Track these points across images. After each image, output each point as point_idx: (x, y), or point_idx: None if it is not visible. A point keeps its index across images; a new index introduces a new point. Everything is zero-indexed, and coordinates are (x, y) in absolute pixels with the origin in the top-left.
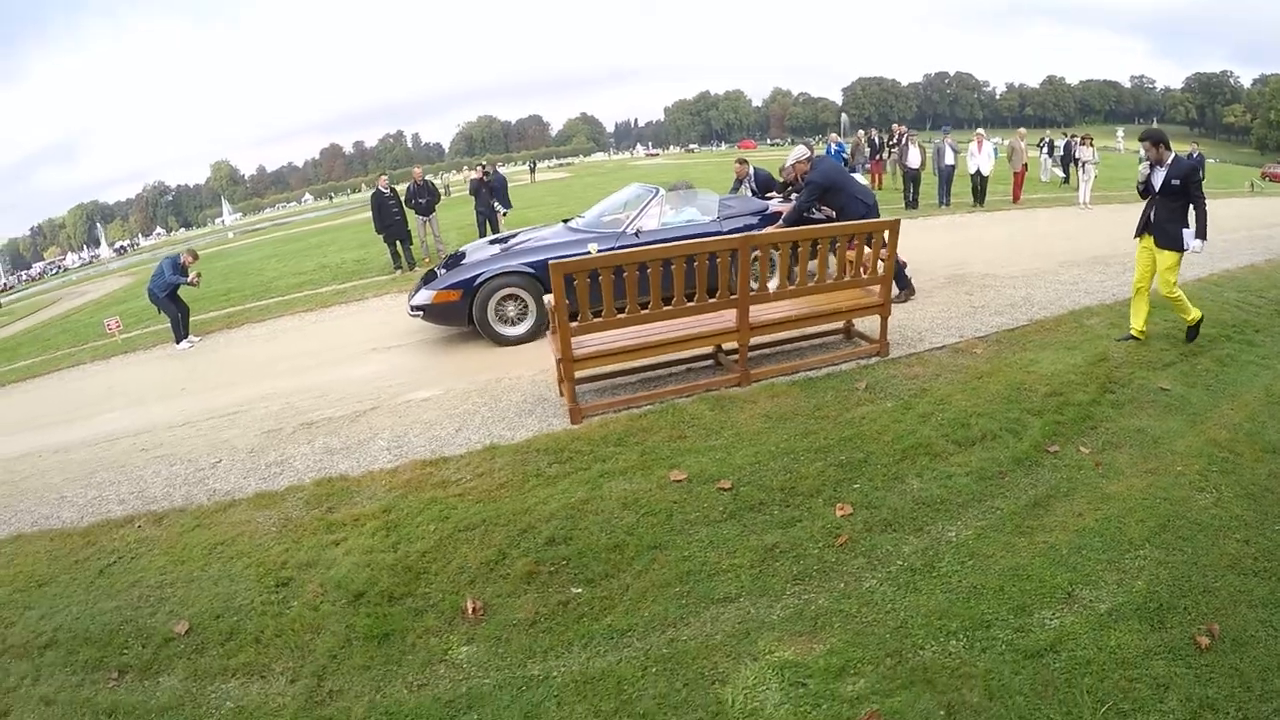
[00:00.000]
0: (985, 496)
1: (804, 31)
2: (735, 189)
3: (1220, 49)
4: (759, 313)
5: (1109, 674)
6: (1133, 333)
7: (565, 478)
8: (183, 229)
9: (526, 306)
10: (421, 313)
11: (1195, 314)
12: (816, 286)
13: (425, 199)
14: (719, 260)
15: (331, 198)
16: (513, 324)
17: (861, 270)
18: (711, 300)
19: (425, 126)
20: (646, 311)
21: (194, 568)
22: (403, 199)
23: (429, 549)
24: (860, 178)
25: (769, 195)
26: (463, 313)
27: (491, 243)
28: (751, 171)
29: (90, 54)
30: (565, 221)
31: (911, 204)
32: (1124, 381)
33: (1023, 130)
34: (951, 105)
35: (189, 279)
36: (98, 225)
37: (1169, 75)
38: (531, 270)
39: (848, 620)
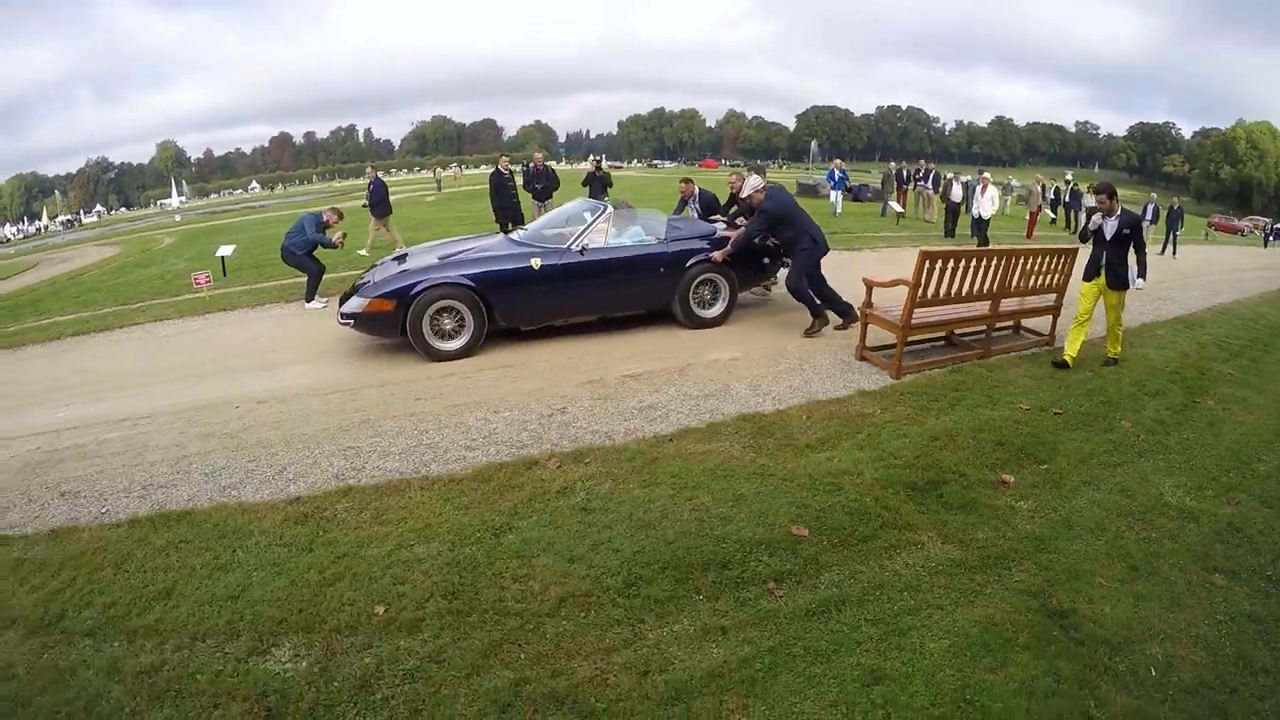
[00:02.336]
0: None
1: (759, 56)
2: (679, 209)
3: (1162, 101)
4: (1006, 306)
5: None
6: (1066, 359)
7: (952, 409)
8: (123, 208)
9: (463, 320)
10: (352, 321)
11: (1116, 350)
12: (1030, 289)
13: (542, 184)
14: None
15: (282, 186)
16: (447, 338)
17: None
18: (978, 294)
19: (377, 122)
20: (953, 297)
21: (736, 487)
22: (519, 182)
23: (918, 455)
24: (894, 204)
25: (713, 217)
26: (396, 323)
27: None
28: (697, 192)
29: (38, 17)
30: (506, 233)
31: (949, 234)
32: (1205, 370)
33: (1039, 175)
34: (901, 138)
35: (333, 240)
36: (37, 198)
37: (1112, 123)
38: (471, 283)
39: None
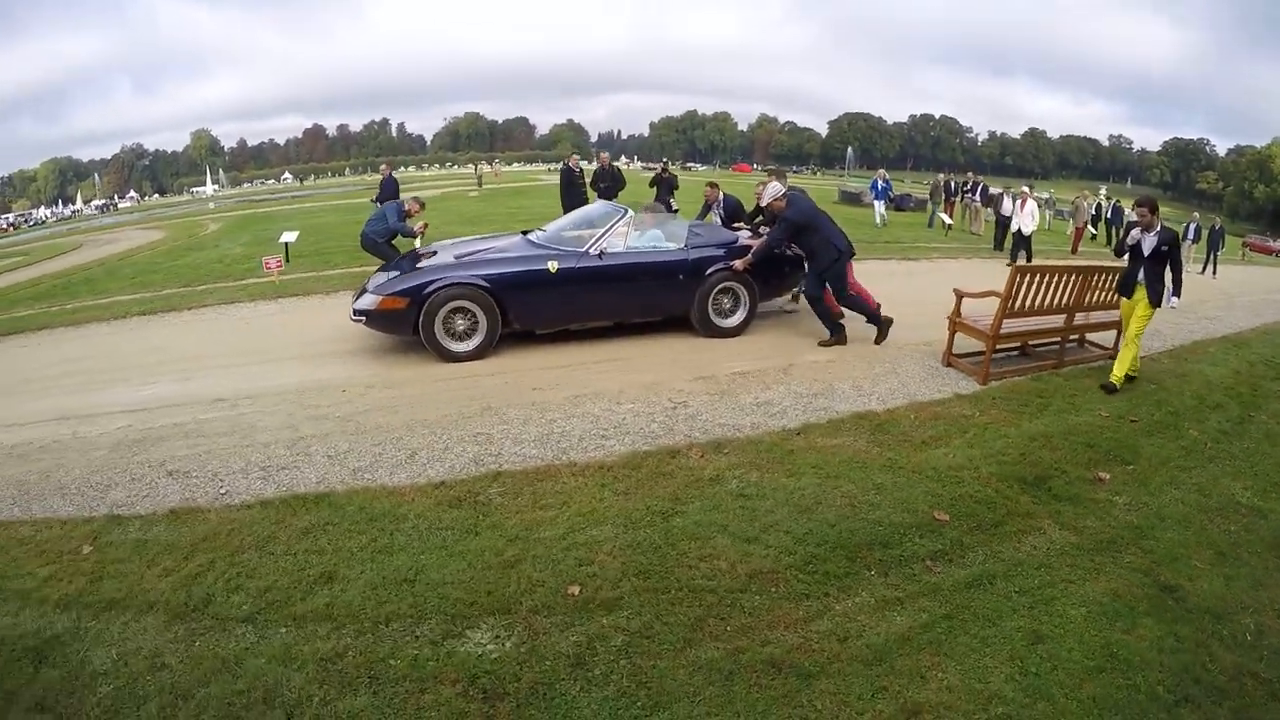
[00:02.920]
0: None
1: (794, 61)
2: (703, 214)
3: (1197, 118)
4: (1078, 319)
5: None
6: (1113, 380)
7: (1040, 414)
8: (156, 194)
9: (476, 321)
10: (364, 318)
11: (1119, 375)
12: (1099, 305)
13: (607, 184)
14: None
15: (314, 178)
16: (461, 339)
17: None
18: (1056, 307)
19: (410, 117)
20: (1036, 309)
21: (872, 477)
22: (588, 180)
23: (1022, 454)
24: (943, 215)
25: (736, 225)
26: (409, 321)
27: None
28: (721, 197)
29: (79, 6)
30: (524, 234)
31: (998, 246)
32: (1257, 387)
33: (1085, 190)
34: (934, 148)
35: (414, 229)
36: (72, 182)
37: (1146, 139)
38: (486, 284)
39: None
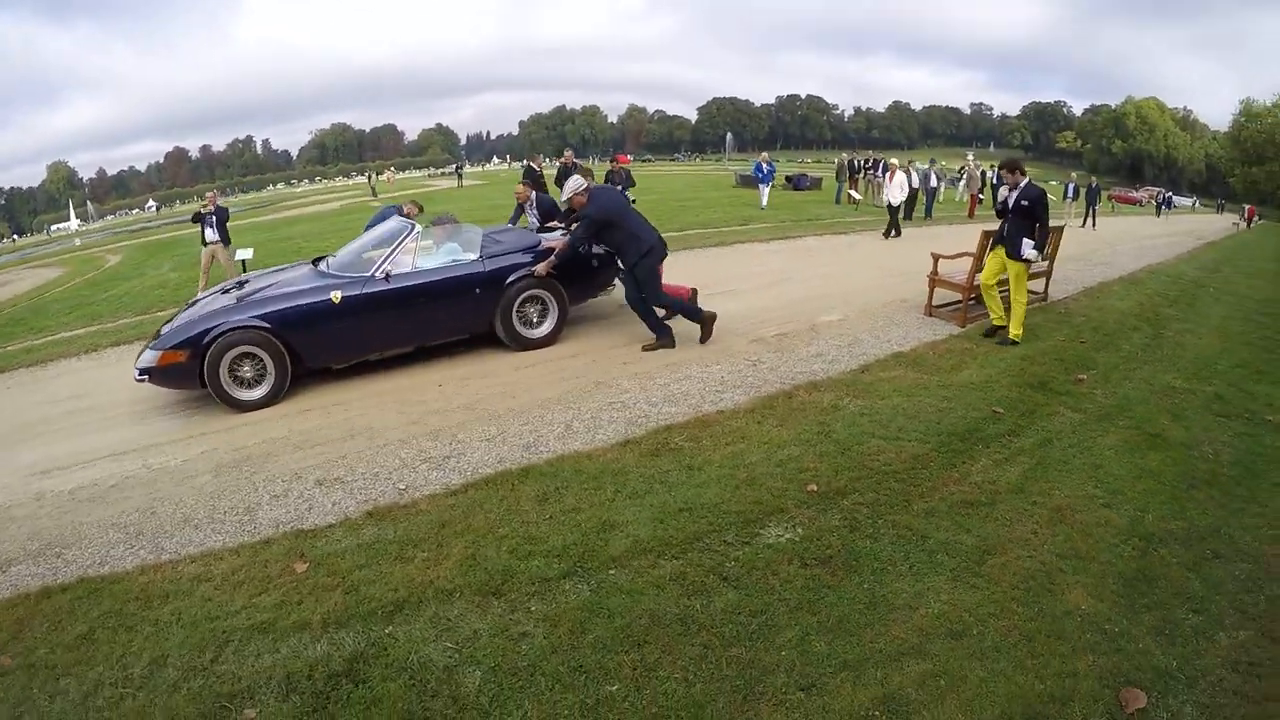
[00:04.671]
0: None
1: (659, 51)
2: (516, 217)
3: (1055, 82)
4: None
5: None
6: (994, 322)
7: (1029, 335)
8: (14, 235)
9: (264, 366)
10: (147, 377)
11: (1019, 333)
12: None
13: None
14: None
15: (179, 203)
16: (249, 386)
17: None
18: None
19: (275, 133)
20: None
21: (935, 392)
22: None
23: (1020, 370)
24: (851, 191)
25: (549, 225)
26: (193, 374)
27: (226, 292)
28: (534, 197)
29: None
30: (315, 261)
31: (907, 214)
32: (1158, 314)
33: (971, 155)
34: (802, 126)
35: None
36: None
37: (1006, 104)
38: (266, 324)
39: None
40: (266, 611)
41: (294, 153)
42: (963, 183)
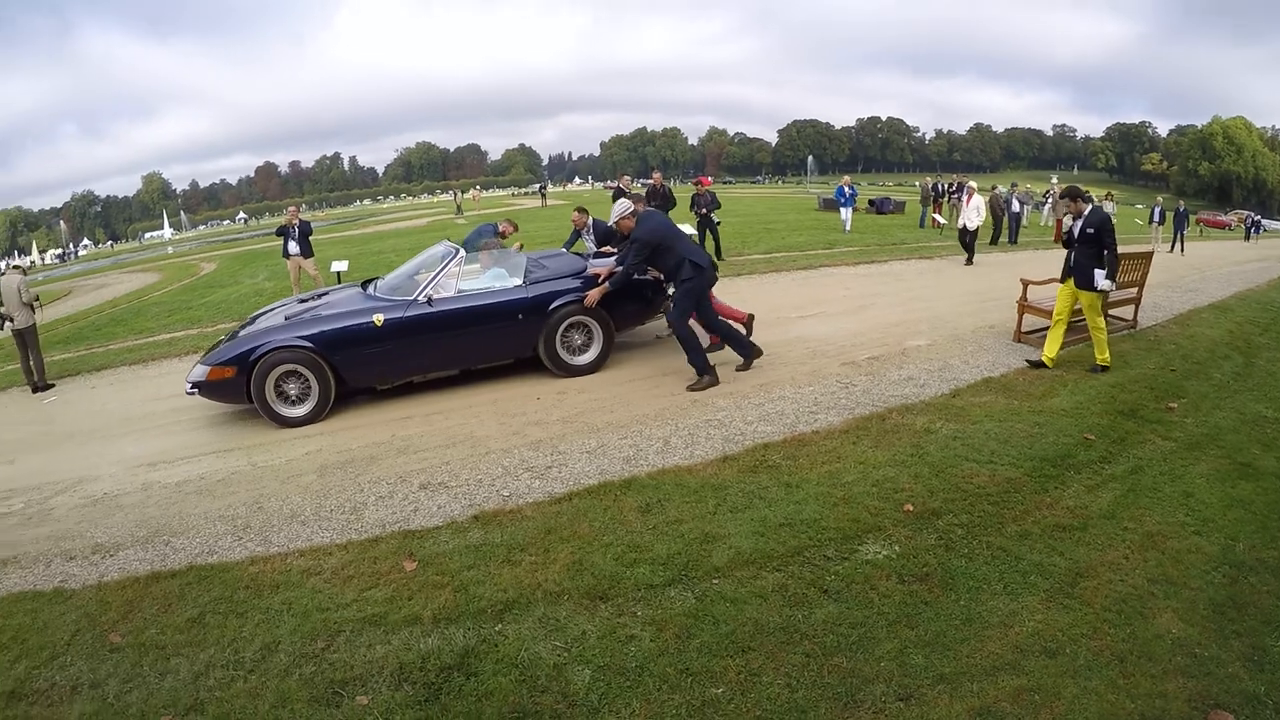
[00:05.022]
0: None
1: (740, 73)
2: (572, 241)
3: (1138, 102)
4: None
5: None
6: (1044, 359)
7: (1104, 372)
8: (110, 242)
9: (309, 384)
10: (197, 390)
11: (1106, 357)
12: (1125, 284)
13: (657, 202)
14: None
15: (269, 215)
16: (294, 403)
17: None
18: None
19: (361, 150)
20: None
21: (1028, 418)
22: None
23: (1110, 398)
24: (936, 215)
25: (604, 250)
26: (240, 390)
27: (302, 302)
28: (591, 222)
29: (22, 53)
30: (365, 284)
31: (993, 240)
32: (1249, 341)
33: (1055, 179)
34: (883, 149)
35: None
36: (23, 233)
37: (1089, 126)
38: (310, 344)
39: None
40: (377, 605)
41: (380, 170)
42: (1047, 207)
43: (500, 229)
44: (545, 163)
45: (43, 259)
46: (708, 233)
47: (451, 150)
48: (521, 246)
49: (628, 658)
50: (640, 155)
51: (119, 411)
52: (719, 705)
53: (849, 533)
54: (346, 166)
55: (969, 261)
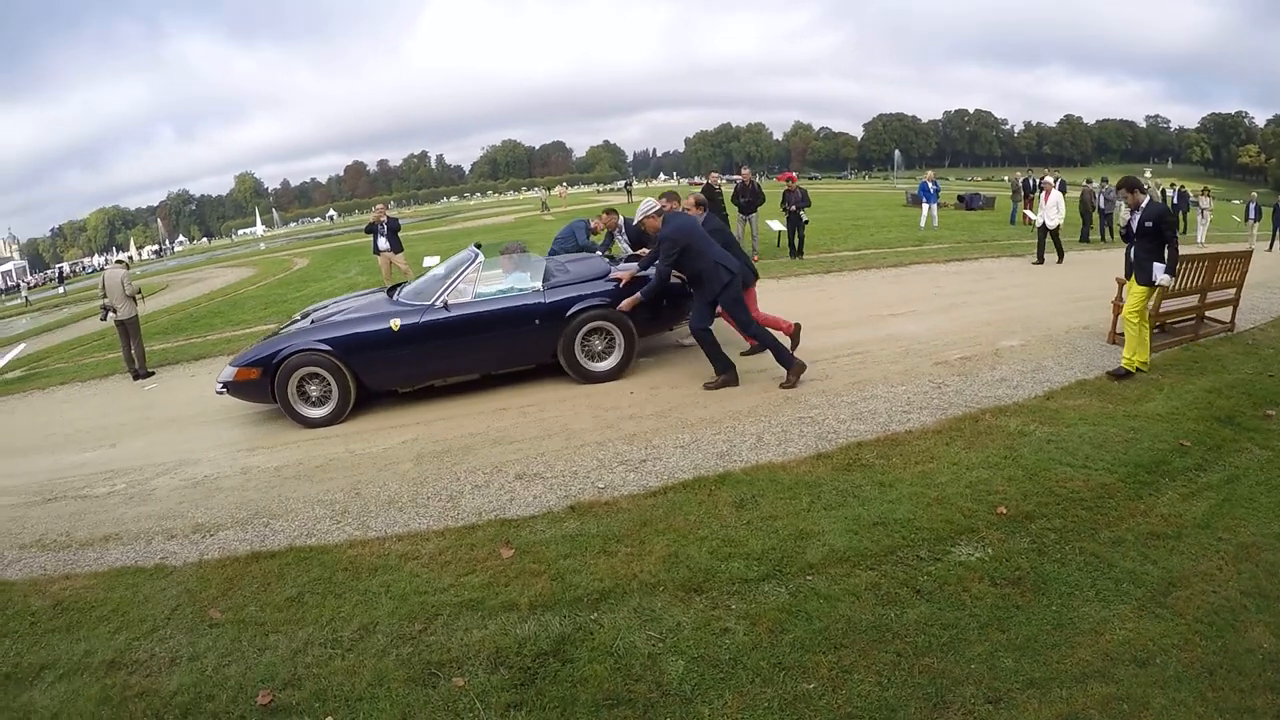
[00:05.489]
0: None
1: (824, 67)
2: (607, 244)
3: (1235, 91)
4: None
5: None
6: (1125, 364)
7: (1201, 375)
8: (205, 238)
9: (330, 386)
10: (226, 389)
11: (1143, 357)
12: (1221, 284)
13: (747, 199)
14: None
15: (358, 213)
16: (316, 404)
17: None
18: (1192, 288)
19: (448, 148)
20: (1179, 292)
21: (1122, 423)
22: (729, 197)
23: (1206, 403)
24: (1026, 211)
25: (639, 252)
26: (265, 390)
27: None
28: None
29: (120, 59)
30: (391, 290)
31: (1084, 237)
32: None
33: (1148, 172)
34: (971, 142)
35: (600, 246)
36: (120, 230)
37: (1183, 116)
38: (329, 348)
39: None
40: (475, 590)
41: (466, 167)
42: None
43: (592, 225)
44: (630, 159)
45: (140, 255)
46: (796, 231)
47: (537, 148)
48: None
49: (721, 650)
50: (725, 151)
51: (218, 399)
52: (810, 700)
53: (942, 533)
54: (434, 164)
55: (1042, 259)
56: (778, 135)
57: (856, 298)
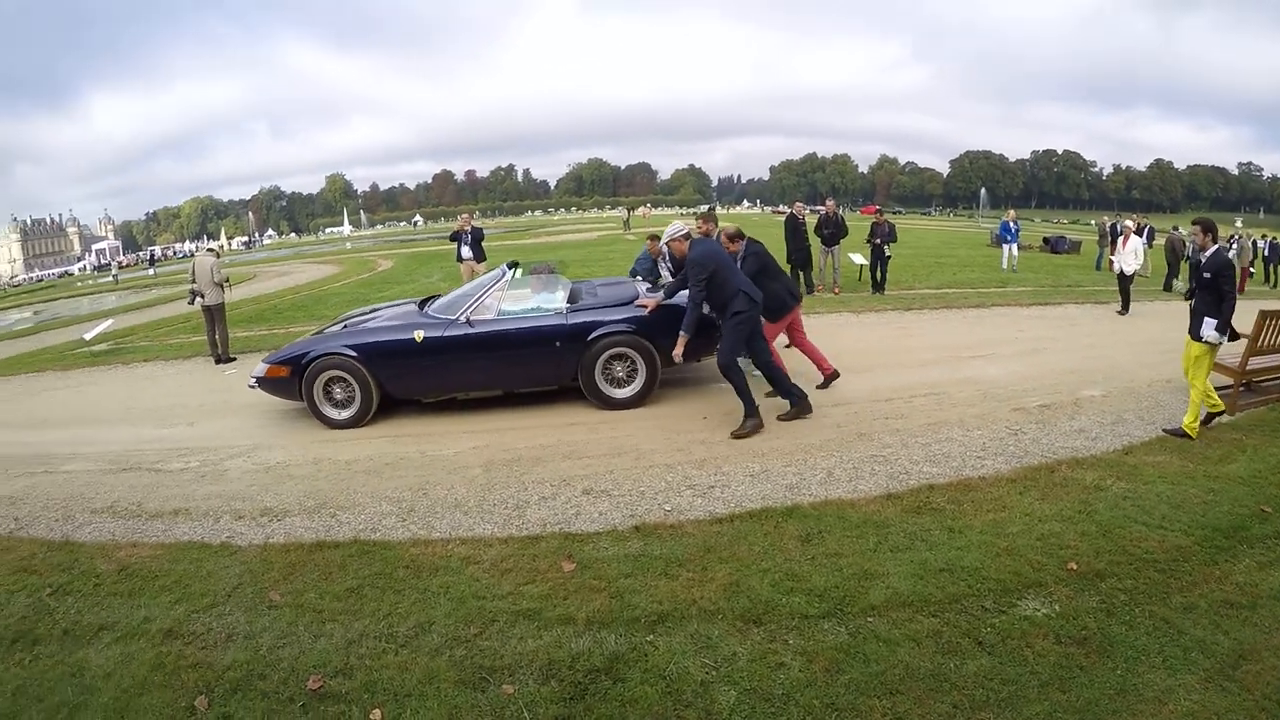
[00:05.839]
0: None
1: (913, 101)
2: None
3: None
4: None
5: None
6: (1210, 408)
7: None
8: (293, 234)
9: (354, 390)
10: (257, 383)
11: (1190, 423)
12: None
13: (830, 230)
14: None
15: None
16: (340, 406)
17: None
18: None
19: (535, 162)
20: (1272, 348)
21: (1203, 483)
22: (810, 228)
23: None
24: (1113, 257)
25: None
26: (294, 388)
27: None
28: (665, 250)
29: (221, 57)
30: (423, 302)
31: (1166, 286)
32: None
33: (1239, 222)
34: (1058, 184)
35: None
36: (212, 219)
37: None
38: (354, 354)
39: None
40: (533, 600)
41: (552, 183)
42: (1232, 253)
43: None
44: (714, 184)
45: (229, 245)
46: (879, 265)
47: (622, 168)
48: None
49: (775, 684)
50: (809, 181)
51: None
52: None
53: (1009, 585)
54: (520, 178)
55: (1128, 308)
56: (863, 168)
57: (936, 337)
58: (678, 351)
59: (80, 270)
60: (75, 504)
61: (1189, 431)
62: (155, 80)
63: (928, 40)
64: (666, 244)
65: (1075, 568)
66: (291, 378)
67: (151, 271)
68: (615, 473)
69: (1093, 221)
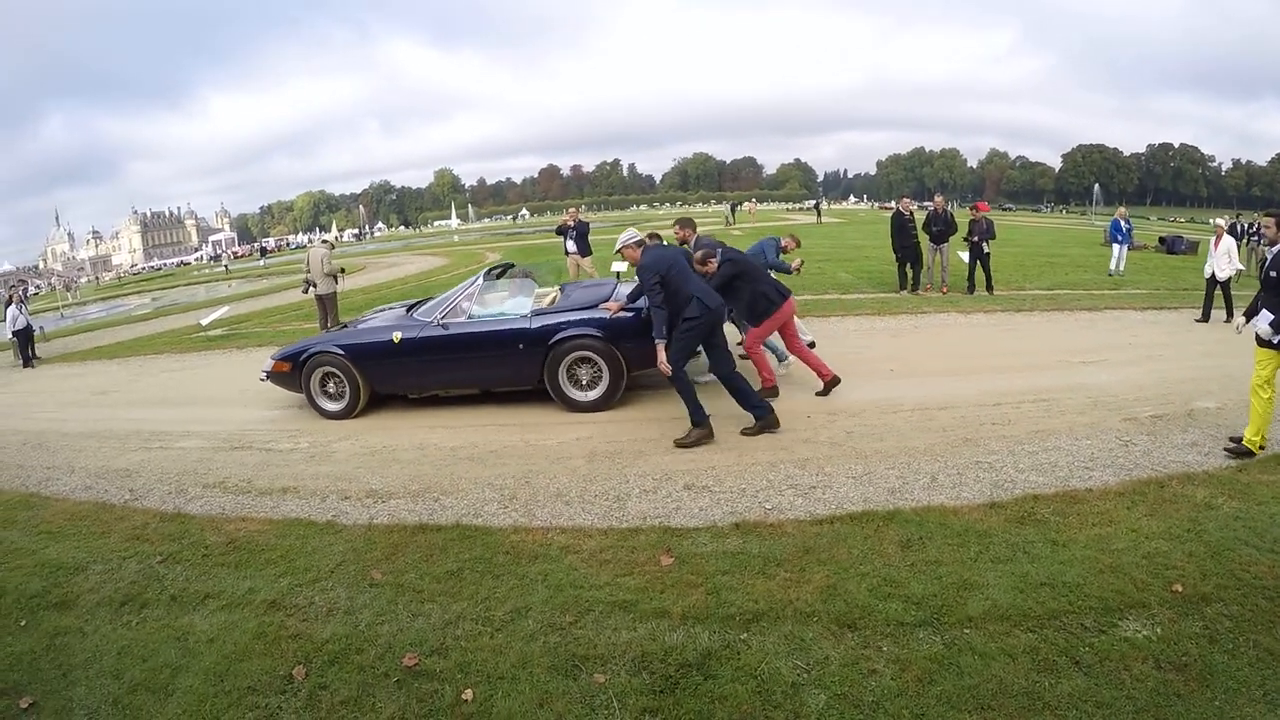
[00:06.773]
0: None
1: (1024, 94)
2: None
3: None
4: None
5: None
6: (1246, 442)
7: None
8: (403, 226)
9: (344, 386)
10: (268, 377)
11: (1259, 438)
12: None
13: (939, 228)
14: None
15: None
16: (333, 399)
17: None
18: None
19: (640, 157)
20: None
21: None
22: (919, 224)
23: None
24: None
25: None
26: (295, 382)
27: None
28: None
29: (333, 58)
30: (410, 306)
31: None
32: None
33: None
34: (1174, 179)
35: (791, 265)
36: (324, 213)
37: None
38: (342, 352)
39: None
40: (629, 592)
41: (657, 177)
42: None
43: (783, 244)
44: (820, 179)
45: (341, 237)
46: (978, 263)
47: (728, 162)
48: (802, 263)
49: (866, 691)
50: (917, 176)
51: None
52: None
53: (1111, 604)
54: (625, 172)
55: (1207, 316)
56: (972, 162)
57: (1046, 340)
58: (661, 359)
59: (196, 260)
60: (188, 478)
61: (1251, 447)
62: (269, 80)
63: (1038, 28)
64: (619, 250)
65: (1180, 590)
66: (293, 372)
67: (261, 263)
68: (717, 469)
69: (1211, 220)
